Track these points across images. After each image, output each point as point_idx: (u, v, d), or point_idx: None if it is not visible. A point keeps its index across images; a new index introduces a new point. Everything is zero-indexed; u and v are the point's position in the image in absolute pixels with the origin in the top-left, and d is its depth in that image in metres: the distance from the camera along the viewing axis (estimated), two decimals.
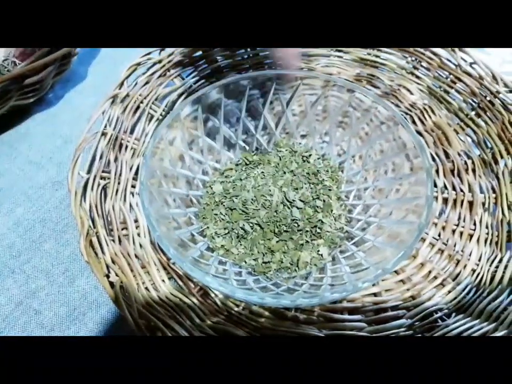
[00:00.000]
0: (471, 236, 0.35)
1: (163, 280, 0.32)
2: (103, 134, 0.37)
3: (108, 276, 0.30)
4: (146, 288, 0.31)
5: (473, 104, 0.41)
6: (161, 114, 0.40)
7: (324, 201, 0.34)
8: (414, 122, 0.42)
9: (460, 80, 0.42)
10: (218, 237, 0.33)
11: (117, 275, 0.30)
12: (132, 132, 0.39)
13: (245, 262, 0.32)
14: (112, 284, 0.30)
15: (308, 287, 0.29)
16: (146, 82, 0.41)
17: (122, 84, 0.39)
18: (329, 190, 0.35)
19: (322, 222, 0.33)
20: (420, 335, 0.30)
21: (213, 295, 0.32)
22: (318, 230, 0.33)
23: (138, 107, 0.39)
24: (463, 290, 0.33)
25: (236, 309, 0.31)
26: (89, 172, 0.35)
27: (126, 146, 0.38)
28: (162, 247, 0.27)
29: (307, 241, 0.32)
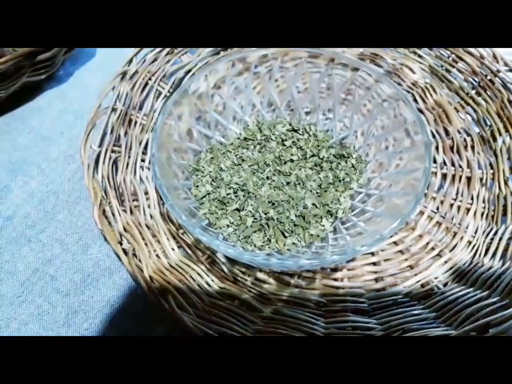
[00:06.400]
0: (468, 210, 0.37)
1: (173, 249, 0.33)
2: (113, 109, 0.38)
3: (120, 243, 0.32)
4: (157, 255, 0.32)
5: (474, 83, 0.42)
6: (168, 91, 0.41)
7: (340, 180, 0.35)
8: (415, 100, 0.43)
9: (461, 59, 0.43)
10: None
11: (129, 242, 0.32)
12: (140, 108, 0.40)
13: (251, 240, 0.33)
14: (125, 251, 0.31)
15: (310, 255, 0.31)
16: (155, 60, 0.42)
17: (131, 60, 0.40)
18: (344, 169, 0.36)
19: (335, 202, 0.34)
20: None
21: (219, 263, 0.33)
22: (328, 208, 0.34)
23: (146, 84, 0.40)
24: (459, 261, 0.34)
25: (242, 275, 0.33)
26: (100, 145, 0.36)
27: (135, 122, 0.39)
28: (173, 215, 0.28)
29: (316, 221, 0.33)
